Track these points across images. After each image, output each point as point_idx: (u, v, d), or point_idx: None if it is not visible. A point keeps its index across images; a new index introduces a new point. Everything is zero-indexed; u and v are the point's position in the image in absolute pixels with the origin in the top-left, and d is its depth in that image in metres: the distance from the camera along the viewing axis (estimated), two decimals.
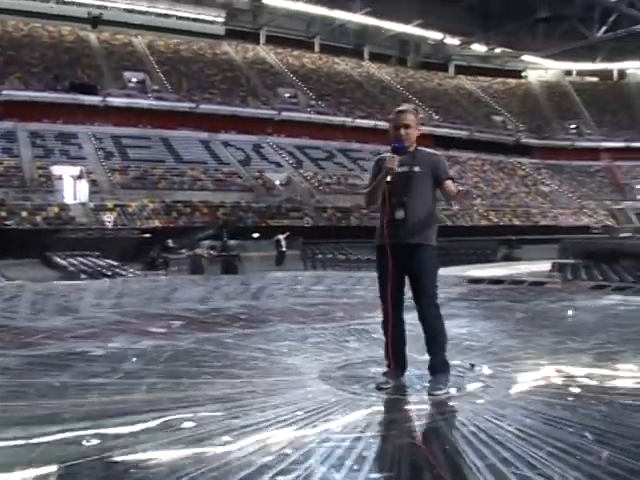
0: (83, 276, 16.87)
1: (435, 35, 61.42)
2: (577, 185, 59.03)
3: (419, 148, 4.71)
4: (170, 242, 24.87)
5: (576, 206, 54.30)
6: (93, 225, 31.96)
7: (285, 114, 49.58)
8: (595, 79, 72.56)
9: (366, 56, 64.49)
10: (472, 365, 5.11)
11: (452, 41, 62.83)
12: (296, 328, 7.01)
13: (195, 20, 56.47)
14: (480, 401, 4.30)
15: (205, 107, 46.79)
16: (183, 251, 25.44)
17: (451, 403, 4.28)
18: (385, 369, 4.72)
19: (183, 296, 10.67)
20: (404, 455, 3.28)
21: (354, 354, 5.67)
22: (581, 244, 30.57)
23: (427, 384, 4.54)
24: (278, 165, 45.17)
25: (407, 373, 4.78)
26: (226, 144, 45.32)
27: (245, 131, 46.96)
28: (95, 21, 52.45)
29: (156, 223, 33.51)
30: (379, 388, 4.51)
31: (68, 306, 9.05)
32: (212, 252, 25.42)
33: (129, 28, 54.02)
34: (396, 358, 4.68)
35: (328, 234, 33.98)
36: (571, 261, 21.32)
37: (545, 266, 20.82)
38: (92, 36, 52.27)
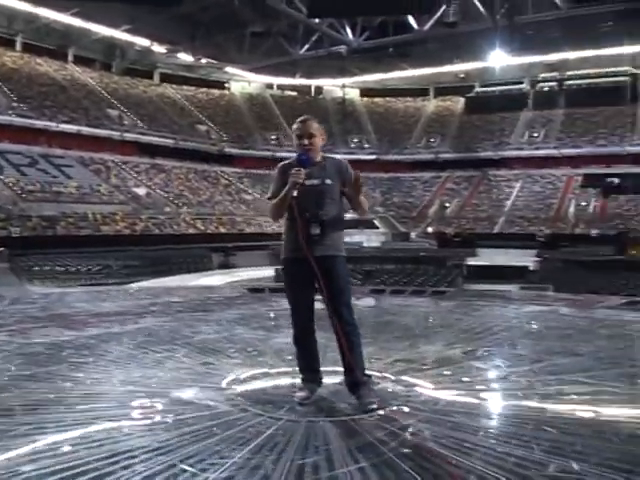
0: None
1: (142, 41, 60.94)
2: None
3: (326, 156, 4.67)
4: None
5: None
6: None
7: None
8: (294, 93, 77.27)
9: (70, 58, 62.54)
10: (369, 376, 4.69)
11: (159, 49, 62.85)
12: (139, 353, 6.47)
13: None
14: (423, 413, 4.19)
15: None
16: None
17: (397, 418, 4.09)
18: (300, 384, 4.68)
19: None
20: (414, 477, 3.15)
21: (233, 375, 5.34)
22: None
23: (354, 401, 4.40)
24: None
25: (318, 389, 4.68)
26: None
27: None
28: None
29: None
30: (301, 404, 4.44)
31: None
32: None
33: None
34: (312, 372, 4.67)
35: (34, 244, 33.25)
36: None
37: (265, 272, 21.68)
38: None
